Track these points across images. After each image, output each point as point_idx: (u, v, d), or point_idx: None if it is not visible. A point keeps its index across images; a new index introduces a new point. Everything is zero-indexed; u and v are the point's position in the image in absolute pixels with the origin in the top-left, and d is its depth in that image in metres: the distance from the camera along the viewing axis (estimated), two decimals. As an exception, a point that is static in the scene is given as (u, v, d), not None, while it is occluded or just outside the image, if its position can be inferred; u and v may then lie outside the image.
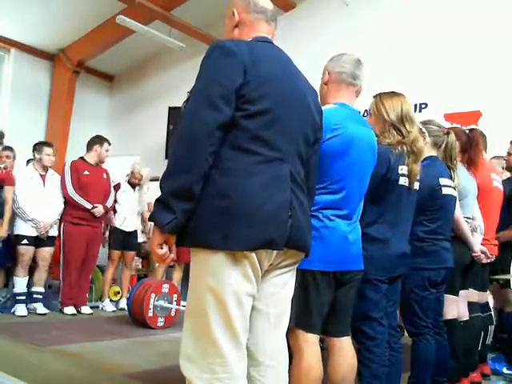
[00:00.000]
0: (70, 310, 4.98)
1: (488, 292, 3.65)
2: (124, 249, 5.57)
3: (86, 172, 5.14)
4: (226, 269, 1.40)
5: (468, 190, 2.98)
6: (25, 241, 4.83)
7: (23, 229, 4.85)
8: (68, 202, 5.07)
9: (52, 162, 5.08)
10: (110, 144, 5.34)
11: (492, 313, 3.67)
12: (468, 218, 3.00)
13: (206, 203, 1.39)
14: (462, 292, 3.03)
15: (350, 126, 1.98)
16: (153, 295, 4.44)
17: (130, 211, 5.61)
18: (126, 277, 5.74)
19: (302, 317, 1.84)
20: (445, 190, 2.64)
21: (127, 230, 5.56)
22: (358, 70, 2.10)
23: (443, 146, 2.76)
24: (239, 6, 1.67)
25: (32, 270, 5.03)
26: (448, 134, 2.77)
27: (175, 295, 4.65)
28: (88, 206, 5.02)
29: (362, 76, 2.11)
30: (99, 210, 5.08)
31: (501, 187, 3.40)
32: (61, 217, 5.09)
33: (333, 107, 2.01)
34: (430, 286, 2.60)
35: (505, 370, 3.61)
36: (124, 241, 5.54)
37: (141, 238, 5.88)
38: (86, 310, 5.17)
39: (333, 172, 1.93)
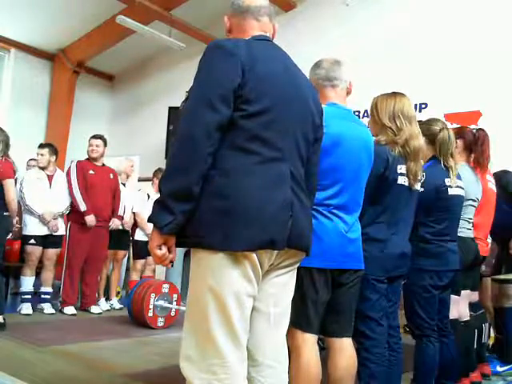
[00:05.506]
0: (69, 310, 4.97)
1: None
2: (117, 248, 5.57)
3: (92, 172, 5.17)
4: (227, 269, 1.39)
5: (469, 193, 2.87)
6: (32, 241, 4.88)
7: (30, 228, 4.91)
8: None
9: (44, 161, 5.01)
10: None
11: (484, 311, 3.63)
12: (470, 218, 2.97)
13: (206, 204, 1.39)
14: (463, 292, 3.02)
15: (336, 123, 1.97)
16: (153, 295, 4.44)
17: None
18: (116, 277, 5.71)
19: (299, 316, 1.83)
20: (451, 191, 2.60)
21: (121, 228, 5.57)
22: (333, 71, 2.09)
23: (436, 143, 2.64)
24: (229, 12, 1.69)
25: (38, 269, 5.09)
26: (441, 130, 2.64)
27: (175, 295, 4.65)
28: (82, 207, 4.96)
29: (340, 75, 2.10)
30: (90, 219, 4.97)
31: (494, 189, 3.38)
32: (68, 217, 5.13)
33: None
34: (433, 289, 2.57)
35: (498, 368, 3.53)
36: (116, 240, 5.52)
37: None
38: (95, 309, 5.18)
39: (322, 169, 1.88)
